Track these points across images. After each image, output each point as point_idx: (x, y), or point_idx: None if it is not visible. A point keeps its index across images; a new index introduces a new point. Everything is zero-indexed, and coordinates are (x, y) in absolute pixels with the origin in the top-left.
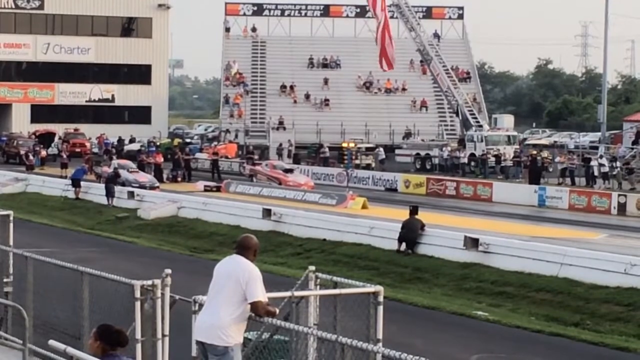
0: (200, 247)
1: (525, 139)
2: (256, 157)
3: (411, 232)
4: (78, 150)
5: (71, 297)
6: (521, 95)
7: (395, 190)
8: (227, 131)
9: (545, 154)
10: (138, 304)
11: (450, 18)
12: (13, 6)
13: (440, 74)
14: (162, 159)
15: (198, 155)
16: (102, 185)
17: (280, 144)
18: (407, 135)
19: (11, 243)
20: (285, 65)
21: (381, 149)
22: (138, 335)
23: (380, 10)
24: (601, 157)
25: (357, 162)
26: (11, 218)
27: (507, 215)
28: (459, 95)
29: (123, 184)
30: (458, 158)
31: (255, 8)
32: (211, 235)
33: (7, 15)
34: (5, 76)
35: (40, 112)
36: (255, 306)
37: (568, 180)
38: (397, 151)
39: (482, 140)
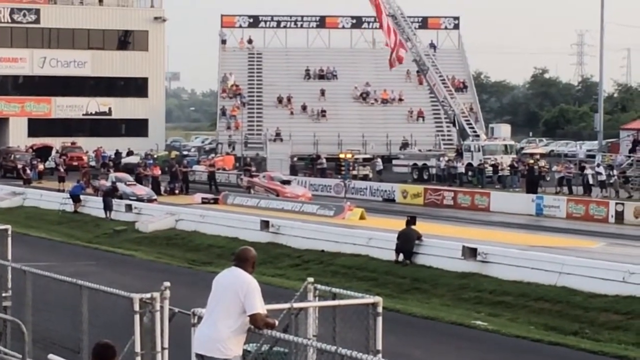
0: (199, 259)
1: (522, 149)
2: (253, 169)
3: (407, 243)
4: (75, 163)
5: (70, 311)
6: (518, 104)
7: (393, 200)
8: (229, 143)
9: (542, 163)
10: (137, 317)
11: (446, 28)
12: (9, 20)
13: (437, 84)
14: (159, 172)
15: (195, 167)
16: (100, 199)
17: (257, 154)
18: (404, 145)
19: (9, 257)
20: (282, 76)
21: (378, 160)
22: (137, 349)
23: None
24: (598, 165)
25: (355, 172)
26: (9, 232)
27: (505, 224)
28: (455, 105)
29: (121, 197)
30: (455, 168)
31: (251, 20)
32: (209, 248)
33: (3, 30)
34: (2, 90)
35: (37, 126)
36: (254, 318)
37: (565, 189)
38: (394, 161)
39: (479, 150)
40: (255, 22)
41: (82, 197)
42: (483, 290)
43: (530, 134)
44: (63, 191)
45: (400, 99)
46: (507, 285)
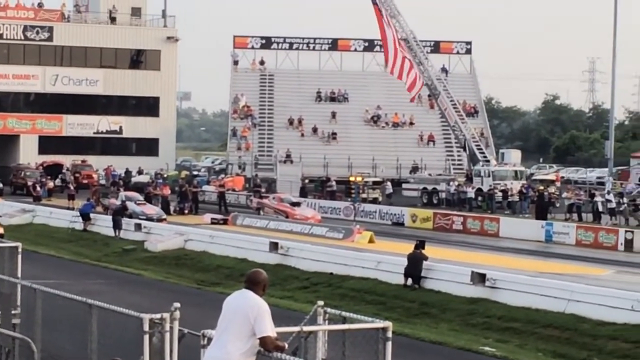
0: (207, 280)
1: (532, 174)
2: (263, 190)
3: (415, 267)
4: (85, 181)
5: (79, 330)
6: (528, 130)
7: (402, 224)
8: (239, 164)
9: (552, 189)
10: (146, 338)
11: (458, 53)
12: (22, 37)
13: (448, 108)
14: (169, 191)
15: (205, 187)
16: (110, 217)
17: (256, 174)
18: (414, 169)
19: (19, 275)
20: (293, 98)
21: (388, 183)
22: None
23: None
24: (608, 192)
25: (364, 195)
26: (19, 250)
27: (514, 250)
28: (466, 130)
29: (130, 216)
30: (465, 193)
31: (264, 41)
32: (218, 268)
33: (16, 47)
34: (14, 107)
35: (48, 144)
36: (264, 341)
37: (575, 215)
38: (404, 185)
39: (489, 175)
40: (267, 43)
41: (91, 215)
42: (491, 316)
43: (541, 160)
44: (73, 209)
45: (411, 123)
46: (516, 312)
